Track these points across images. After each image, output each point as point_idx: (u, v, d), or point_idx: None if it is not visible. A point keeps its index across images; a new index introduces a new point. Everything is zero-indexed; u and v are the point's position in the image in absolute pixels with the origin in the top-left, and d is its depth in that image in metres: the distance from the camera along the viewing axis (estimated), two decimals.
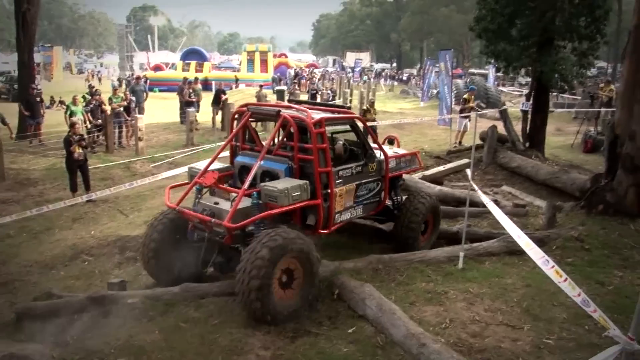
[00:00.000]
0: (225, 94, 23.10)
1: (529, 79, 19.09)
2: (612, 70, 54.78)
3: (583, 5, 12.67)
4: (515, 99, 34.25)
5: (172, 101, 27.18)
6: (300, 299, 5.79)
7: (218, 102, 21.90)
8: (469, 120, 16.73)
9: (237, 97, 34.01)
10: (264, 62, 48.35)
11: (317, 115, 6.67)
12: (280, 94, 32.27)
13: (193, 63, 45.87)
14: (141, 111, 20.34)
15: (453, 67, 23.57)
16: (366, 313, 5.45)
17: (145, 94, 22.26)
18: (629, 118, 7.72)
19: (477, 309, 5.49)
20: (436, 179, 11.70)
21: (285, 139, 7.03)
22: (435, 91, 29.95)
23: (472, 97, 18.03)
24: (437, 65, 25.14)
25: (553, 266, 4.47)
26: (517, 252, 6.47)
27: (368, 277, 6.31)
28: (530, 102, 14.38)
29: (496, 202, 9.24)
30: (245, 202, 6.04)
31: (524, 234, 5.36)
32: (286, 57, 64.00)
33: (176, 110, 23.47)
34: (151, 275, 6.89)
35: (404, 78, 62.54)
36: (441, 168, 12.50)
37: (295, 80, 39.76)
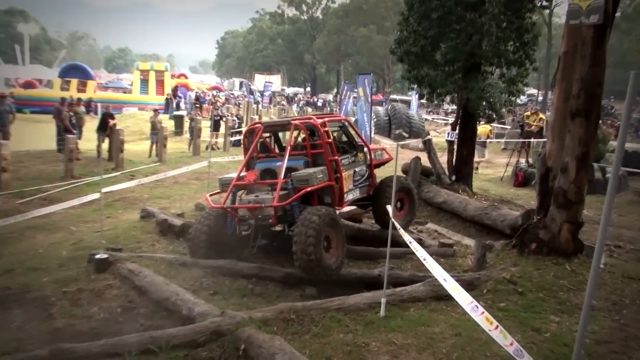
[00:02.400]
0: (113, 118, 22.51)
1: (454, 107, 19.88)
2: (543, 98, 58.26)
3: (511, 29, 13.30)
4: (441, 128, 35.58)
5: (47, 125, 26.19)
6: (336, 259, 8.17)
7: (105, 128, 21.30)
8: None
9: (129, 123, 33.27)
10: (160, 83, 47.75)
11: (320, 119, 9.46)
12: (178, 120, 31.76)
13: (74, 81, 44.60)
14: (6, 136, 19.44)
15: (373, 92, 24.21)
16: None
17: (11, 116, 21.25)
18: (561, 149, 7.96)
19: None
20: (355, 216, 11.77)
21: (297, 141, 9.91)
22: (353, 119, 30.57)
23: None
24: (356, 90, 25.69)
25: (483, 312, 4.53)
26: (444, 297, 6.55)
27: (279, 328, 6.17)
28: (457, 131, 14.85)
29: (420, 241, 9.43)
30: (281, 192, 8.40)
31: (450, 277, 5.43)
32: (186, 77, 63.13)
33: (52, 136, 22.61)
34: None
35: (319, 104, 63.47)
36: None
37: (197, 105, 38.97)
